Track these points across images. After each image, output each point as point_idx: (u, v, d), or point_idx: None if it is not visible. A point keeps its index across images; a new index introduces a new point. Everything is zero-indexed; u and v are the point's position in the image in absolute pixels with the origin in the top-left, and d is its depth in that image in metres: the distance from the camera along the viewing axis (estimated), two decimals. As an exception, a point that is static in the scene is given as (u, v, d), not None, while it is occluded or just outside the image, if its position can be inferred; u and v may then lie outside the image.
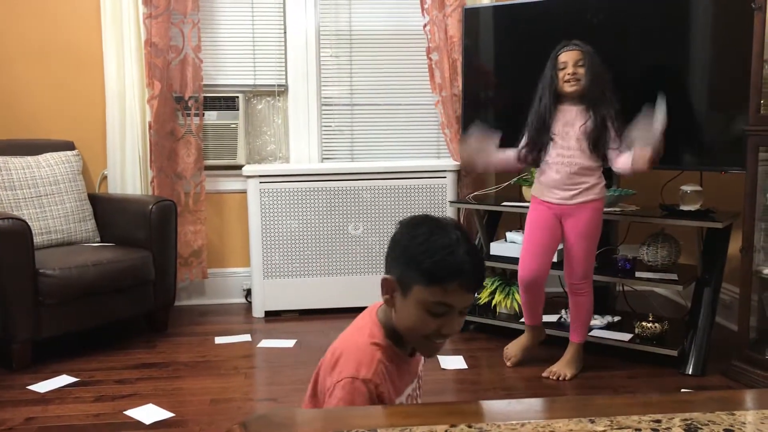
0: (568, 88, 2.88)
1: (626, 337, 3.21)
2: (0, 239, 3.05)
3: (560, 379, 3.04)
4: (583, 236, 2.95)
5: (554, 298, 3.84)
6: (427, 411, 1.29)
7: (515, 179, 3.64)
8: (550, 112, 2.92)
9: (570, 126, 2.91)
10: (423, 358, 1.57)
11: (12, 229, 3.08)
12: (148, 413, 2.72)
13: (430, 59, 3.98)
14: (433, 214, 1.45)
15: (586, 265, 2.99)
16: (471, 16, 3.77)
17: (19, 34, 3.91)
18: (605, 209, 3.24)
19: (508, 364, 3.20)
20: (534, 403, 1.23)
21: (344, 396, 1.35)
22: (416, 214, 1.49)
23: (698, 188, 3.17)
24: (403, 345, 1.47)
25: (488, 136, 3.00)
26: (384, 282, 1.42)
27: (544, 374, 3.07)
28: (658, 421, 1.11)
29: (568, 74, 2.86)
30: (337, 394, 1.35)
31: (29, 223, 3.18)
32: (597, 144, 2.87)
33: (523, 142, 3.04)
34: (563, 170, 2.91)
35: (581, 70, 2.87)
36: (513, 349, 3.22)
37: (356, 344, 1.43)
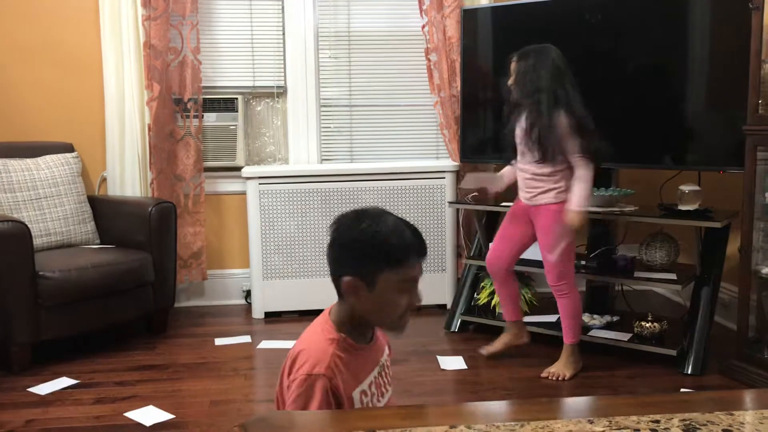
0: (512, 97, 3.01)
1: (625, 336, 3.22)
2: (0, 242, 3.05)
3: (559, 379, 3.05)
4: (545, 236, 3.00)
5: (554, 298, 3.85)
6: (427, 412, 1.29)
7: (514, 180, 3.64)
8: (509, 118, 3.05)
9: (522, 132, 3.00)
10: (386, 347, 1.64)
11: (12, 231, 3.09)
12: (149, 415, 2.72)
13: (429, 60, 3.99)
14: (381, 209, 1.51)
15: (559, 267, 3.00)
16: (469, 17, 3.78)
17: (18, 37, 3.91)
18: (606, 209, 3.25)
19: (483, 351, 3.25)
20: (533, 404, 1.24)
21: (301, 392, 1.39)
22: (336, 217, 1.55)
23: (697, 188, 3.18)
24: (359, 336, 1.52)
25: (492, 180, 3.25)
26: (346, 284, 1.46)
27: (543, 374, 3.08)
28: (657, 422, 1.12)
29: (510, 83, 2.99)
30: (295, 391, 1.39)
31: (29, 226, 3.18)
32: (543, 151, 2.89)
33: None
34: (521, 175, 3.05)
35: (515, 79, 2.97)
36: (496, 342, 3.26)
37: (310, 342, 1.48)
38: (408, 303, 1.47)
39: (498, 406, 1.26)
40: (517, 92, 2.96)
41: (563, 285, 3.03)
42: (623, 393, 2.87)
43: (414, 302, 1.48)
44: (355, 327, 1.51)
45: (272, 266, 3.92)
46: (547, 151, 2.88)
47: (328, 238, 1.53)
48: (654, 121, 3.40)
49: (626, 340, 3.20)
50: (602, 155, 2.96)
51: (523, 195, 3.07)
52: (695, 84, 3.31)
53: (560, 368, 3.07)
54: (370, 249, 1.44)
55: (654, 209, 3.29)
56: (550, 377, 3.06)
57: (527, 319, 3.49)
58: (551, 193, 2.96)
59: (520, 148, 3.01)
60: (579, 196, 2.89)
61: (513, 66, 2.97)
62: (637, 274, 3.26)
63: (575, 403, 1.39)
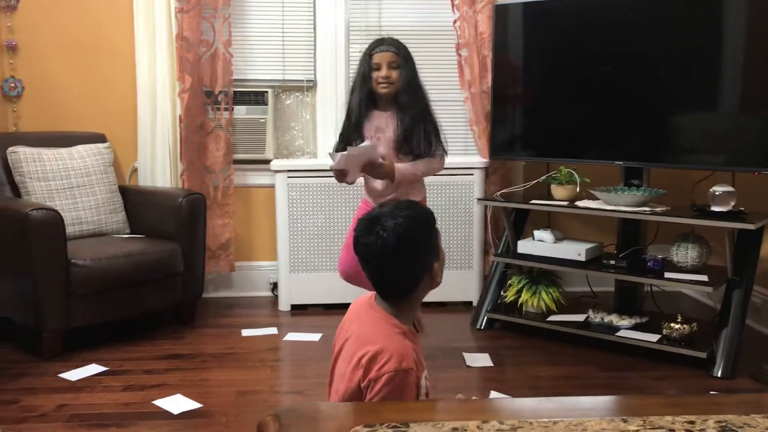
0: (381, 90, 2.79)
1: (654, 337, 3.19)
2: (34, 229, 3.10)
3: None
4: None
5: (582, 298, 3.83)
6: (459, 407, 1.29)
7: (543, 177, 3.62)
8: (362, 111, 2.81)
9: (382, 132, 2.82)
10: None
11: (46, 219, 3.13)
12: (176, 403, 2.75)
13: (460, 55, 3.97)
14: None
15: None
16: (502, 13, 3.75)
17: (53, 28, 3.97)
18: (636, 208, 3.22)
19: None
20: (566, 402, 1.23)
21: (393, 388, 1.42)
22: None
23: (730, 189, 3.13)
24: (411, 324, 1.60)
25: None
26: (436, 268, 1.56)
27: None
28: (692, 422, 1.11)
29: (381, 77, 2.77)
30: (385, 388, 1.42)
31: (62, 214, 3.22)
32: (405, 149, 2.78)
33: (338, 137, 2.95)
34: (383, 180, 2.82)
35: (394, 74, 2.78)
36: None
37: (386, 339, 1.48)
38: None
39: (530, 403, 1.25)
40: (399, 89, 2.78)
41: None
42: (651, 394, 2.84)
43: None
44: (409, 316, 1.54)
45: (299, 259, 3.94)
46: (424, 149, 2.79)
47: (383, 250, 1.54)
48: (687, 120, 3.36)
49: (654, 341, 3.16)
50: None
51: (379, 196, 2.85)
52: (729, 83, 3.25)
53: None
54: (428, 228, 1.55)
55: (686, 210, 3.25)
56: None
57: (554, 317, 3.47)
58: (413, 195, 2.83)
59: (385, 149, 2.78)
60: (408, 167, 2.76)
61: (386, 57, 2.76)
62: (667, 275, 3.22)
63: (608, 401, 1.38)
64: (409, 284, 1.54)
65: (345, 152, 2.65)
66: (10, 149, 3.54)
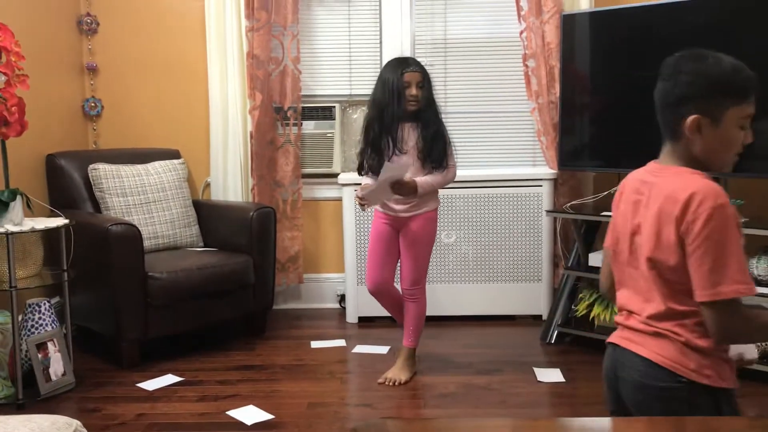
0: (410, 107, 3.01)
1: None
2: (114, 243, 3.23)
3: (395, 384, 3.08)
4: (414, 244, 3.10)
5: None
6: (535, 426, 1.28)
7: (614, 188, 3.55)
8: (395, 125, 3.02)
9: (404, 143, 3.04)
10: None
11: (125, 234, 3.25)
12: (249, 414, 2.81)
13: (527, 66, 3.94)
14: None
15: (417, 272, 3.12)
16: (569, 22, 3.71)
17: (131, 50, 4.13)
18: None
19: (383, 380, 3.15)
20: (619, 422, 1.20)
21: (718, 223, 1.40)
22: (675, 55, 1.57)
23: (814, 199, 3.00)
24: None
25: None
26: (692, 122, 1.48)
27: (380, 381, 3.11)
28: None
29: (411, 95, 2.99)
30: (711, 224, 1.39)
31: (139, 228, 3.34)
32: (428, 160, 3.03)
33: (361, 149, 3.15)
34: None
35: (420, 92, 3.00)
36: (395, 371, 3.17)
37: (692, 183, 1.46)
38: (743, 140, 1.50)
39: (586, 423, 1.23)
40: (423, 106, 3.01)
41: (416, 289, 3.14)
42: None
43: (747, 139, 1.50)
44: (692, 167, 1.52)
45: (366, 272, 3.96)
46: (442, 160, 3.03)
47: (664, 78, 1.55)
48: (763, 125, 3.23)
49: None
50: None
51: (395, 208, 3.08)
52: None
53: (396, 373, 3.13)
54: (720, 85, 1.47)
55: (766, 221, 3.13)
56: (386, 383, 3.09)
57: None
58: (430, 201, 3.10)
59: (395, 158, 3.01)
60: (428, 180, 3.02)
61: (415, 77, 3.00)
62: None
63: (684, 423, 1.34)
64: (672, 124, 1.52)
65: (384, 171, 2.90)
66: (91, 166, 3.69)
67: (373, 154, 3.07)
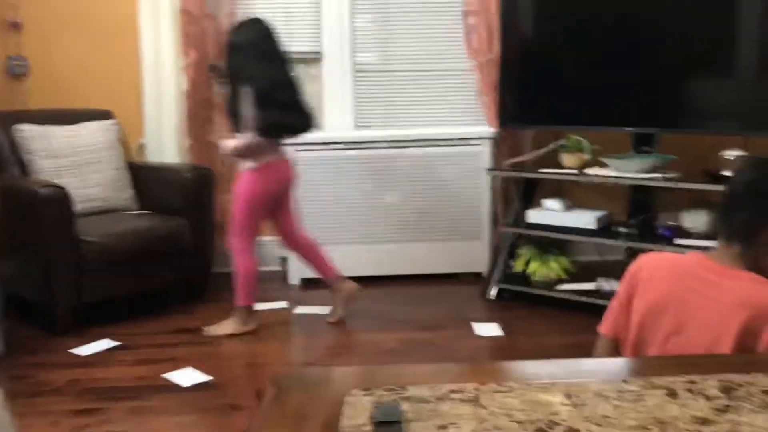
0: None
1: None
2: (42, 207, 3.12)
3: (207, 335, 3.17)
4: (235, 198, 3.15)
5: (592, 266, 3.80)
6: (457, 369, 1.29)
7: (552, 146, 3.58)
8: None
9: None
10: None
11: (54, 197, 3.15)
12: (187, 376, 2.77)
13: (467, 23, 3.91)
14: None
15: (233, 226, 3.17)
16: (508, -21, 3.69)
17: (57, 5, 3.95)
18: (647, 175, 3.18)
19: (330, 320, 3.31)
20: (566, 364, 1.22)
21: None
22: (758, 159, 1.56)
23: (742, 153, 3.08)
24: None
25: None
26: None
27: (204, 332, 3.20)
28: (693, 382, 1.09)
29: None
30: None
31: (70, 191, 3.23)
32: (235, 121, 3.07)
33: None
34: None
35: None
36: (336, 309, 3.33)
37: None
38: None
39: (530, 365, 1.24)
40: (224, 67, 3.12)
41: (233, 243, 3.18)
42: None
43: None
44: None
45: (309, 233, 3.93)
46: (238, 121, 3.03)
47: (763, 175, 1.50)
48: (699, 84, 3.30)
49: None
50: (281, 129, 3.08)
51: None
52: (743, 45, 3.18)
53: (216, 327, 3.20)
54: None
55: (697, 176, 3.20)
56: (206, 333, 3.19)
57: (563, 286, 3.46)
58: (251, 160, 3.09)
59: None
60: (234, 142, 3.09)
61: None
62: (677, 241, 3.19)
63: (609, 363, 1.37)
64: (752, 230, 1.47)
65: None
66: (17, 127, 3.54)
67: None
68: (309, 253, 3.32)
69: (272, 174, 3.13)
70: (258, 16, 3.17)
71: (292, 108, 3.08)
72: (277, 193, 3.19)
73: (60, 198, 3.16)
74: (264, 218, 3.23)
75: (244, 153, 3.08)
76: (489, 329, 3.22)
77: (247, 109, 2.97)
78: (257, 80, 2.97)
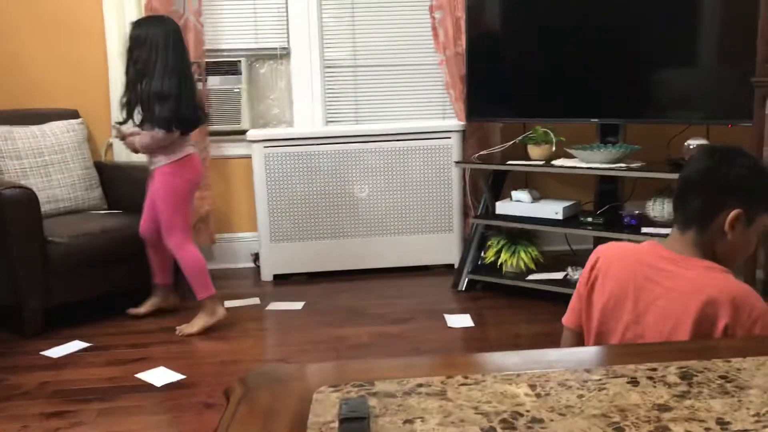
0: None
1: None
2: (8, 208, 3.08)
3: (183, 335, 3.18)
4: (157, 199, 3.15)
5: (562, 256, 3.86)
6: (425, 363, 1.30)
7: (520, 138, 3.62)
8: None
9: None
10: None
11: (19, 198, 3.11)
12: (160, 375, 2.76)
13: (434, 18, 3.93)
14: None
15: (164, 226, 3.15)
16: (473, -27, 3.71)
17: (20, 3, 3.89)
18: (612, 165, 3.23)
19: (130, 312, 3.39)
20: (531, 354, 1.24)
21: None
22: (709, 147, 1.55)
23: (705, 142, 3.14)
24: None
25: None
26: (732, 217, 1.44)
27: (177, 332, 3.21)
28: (654, 369, 1.12)
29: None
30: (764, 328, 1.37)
31: (36, 192, 3.19)
32: (133, 116, 3.11)
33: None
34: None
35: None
36: (144, 305, 3.41)
37: (732, 285, 1.41)
38: (755, 247, 1.49)
39: (495, 357, 1.26)
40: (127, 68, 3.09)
41: (172, 246, 3.15)
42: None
43: (757, 247, 1.52)
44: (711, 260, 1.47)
45: (280, 229, 3.93)
46: (142, 117, 3.07)
47: (715, 162, 1.47)
48: (662, 76, 3.35)
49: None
50: (180, 123, 3.04)
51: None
52: (704, 37, 3.25)
53: (186, 326, 3.21)
54: (758, 190, 1.45)
55: (661, 165, 3.26)
56: (177, 333, 3.20)
57: (533, 276, 3.50)
58: (158, 156, 3.11)
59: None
60: (138, 140, 3.11)
61: None
62: (644, 230, 3.24)
63: (573, 353, 1.39)
64: (705, 214, 1.45)
65: None
66: (-20, 128, 3.49)
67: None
68: (164, 252, 3.29)
69: (188, 166, 3.14)
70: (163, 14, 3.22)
71: (189, 102, 3.08)
72: (197, 184, 3.22)
73: (26, 199, 3.12)
74: (189, 210, 3.22)
75: (152, 149, 3.10)
76: (461, 320, 3.26)
77: (150, 104, 3.00)
78: (159, 74, 2.99)
